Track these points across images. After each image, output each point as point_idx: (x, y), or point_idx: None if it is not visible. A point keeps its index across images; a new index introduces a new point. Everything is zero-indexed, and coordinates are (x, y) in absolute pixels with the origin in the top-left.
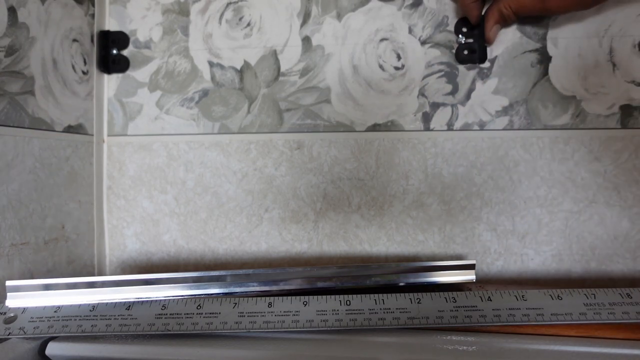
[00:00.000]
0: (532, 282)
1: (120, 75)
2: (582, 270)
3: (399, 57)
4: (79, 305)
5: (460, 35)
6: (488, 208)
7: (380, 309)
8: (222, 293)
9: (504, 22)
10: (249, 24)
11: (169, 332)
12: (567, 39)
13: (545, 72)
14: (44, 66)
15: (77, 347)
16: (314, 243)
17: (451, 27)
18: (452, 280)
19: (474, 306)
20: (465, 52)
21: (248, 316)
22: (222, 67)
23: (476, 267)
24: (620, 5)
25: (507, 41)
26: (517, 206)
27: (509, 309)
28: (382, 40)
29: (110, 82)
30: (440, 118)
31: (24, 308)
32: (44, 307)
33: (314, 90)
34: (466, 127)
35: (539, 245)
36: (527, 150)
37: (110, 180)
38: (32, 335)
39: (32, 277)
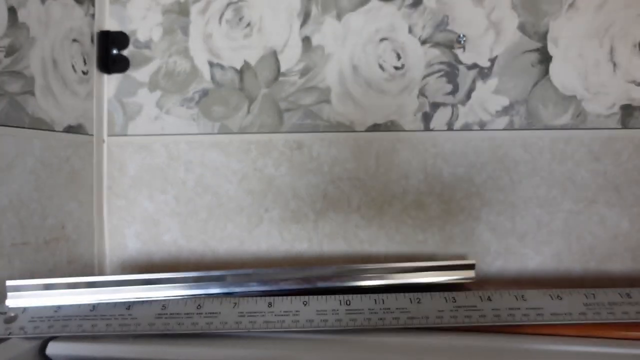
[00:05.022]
0: (531, 282)
1: (120, 75)
2: (582, 270)
3: (399, 57)
4: (79, 305)
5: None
6: (488, 208)
7: (380, 309)
8: (222, 293)
9: None
10: (249, 24)
11: (169, 332)
12: (567, 39)
13: (545, 72)
14: (44, 66)
15: (77, 346)
16: (314, 243)
17: (451, 27)
18: (451, 280)
19: (473, 306)
20: None
21: (248, 316)
22: (222, 67)
23: (476, 267)
24: (621, 5)
25: (507, 41)
26: (517, 206)
27: (509, 309)
28: (382, 40)
29: (110, 82)
30: (440, 118)
31: (25, 308)
32: (44, 307)
33: (314, 91)
34: (466, 127)
35: (538, 245)
36: (527, 150)
37: (110, 180)
38: (32, 335)
39: (32, 277)
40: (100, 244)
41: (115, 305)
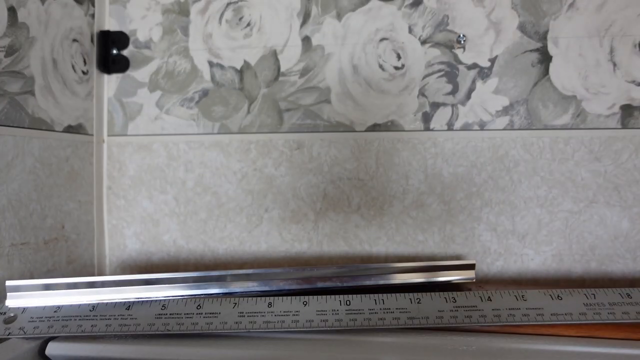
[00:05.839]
0: (532, 282)
1: (120, 75)
2: (582, 270)
3: (399, 57)
4: (79, 305)
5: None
6: (488, 208)
7: (380, 309)
8: (222, 293)
9: None
10: (249, 24)
11: (169, 332)
12: (567, 39)
13: (545, 72)
14: (44, 66)
15: (77, 347)
16: (314, 243)
17: (451, 27)
18: (451, 280)
19: (474, 306)
20: None
21: (248, 316)
22: (222, 67)
23: (476, 267)
24: (621, 5)
25: (507, 40)
26: (517, 206)
27: (509, 309)
28: (382, 40)
29: (110, 82)
30: (440, 118)
31: (24, 308)
32: (44, 307)
33: (314, 90)
34: (466, 127)
35: (539, 245)
36: (527, 150)
37: (110, 180)
38: (32, 335)
39: (32, 277)
40: (99, 244)
41: (115, 305)
